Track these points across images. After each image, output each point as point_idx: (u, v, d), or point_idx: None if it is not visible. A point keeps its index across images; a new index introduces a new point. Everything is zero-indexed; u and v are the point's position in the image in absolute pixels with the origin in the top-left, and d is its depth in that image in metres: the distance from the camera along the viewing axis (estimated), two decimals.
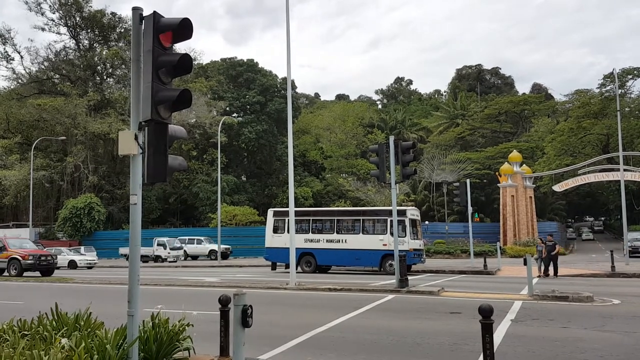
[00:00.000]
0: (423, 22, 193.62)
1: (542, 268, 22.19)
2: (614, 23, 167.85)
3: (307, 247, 25.29)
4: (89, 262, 35.42)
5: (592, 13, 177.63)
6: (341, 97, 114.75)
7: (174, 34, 5.48)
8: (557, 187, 45.06)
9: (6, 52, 56.37)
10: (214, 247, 40.39)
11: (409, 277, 16.64)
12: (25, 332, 6.23)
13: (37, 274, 24.45)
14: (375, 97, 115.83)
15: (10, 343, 5.70)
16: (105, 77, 59.29)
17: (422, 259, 25.86)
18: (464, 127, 67.66)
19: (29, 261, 24.18)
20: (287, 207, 18.70)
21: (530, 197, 45.21)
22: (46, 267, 24.66)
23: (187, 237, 44.01)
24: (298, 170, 61.32)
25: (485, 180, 54.50)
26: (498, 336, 8.36)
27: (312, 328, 9.24)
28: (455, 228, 47.24)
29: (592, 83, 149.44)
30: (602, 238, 70.44)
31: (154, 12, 5.39)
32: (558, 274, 21.70)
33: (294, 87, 69.65)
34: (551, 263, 21.87)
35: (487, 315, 5.41)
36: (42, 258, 24.60)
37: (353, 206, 46.77)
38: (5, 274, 24.70)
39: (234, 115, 62.20)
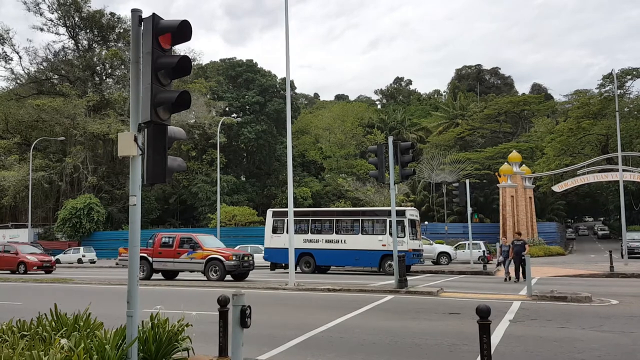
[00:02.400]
0: (423, 23, 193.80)
1: (509, 269, 20.09)
2: (613, 24, 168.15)
3: (306, 247, 25.32)
4: None
5: (591, 14, 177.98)
6: (340, 98, 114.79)
7: (173, 36, 5.51)
8: (557, 188, 45.07)
9: (5, 52, 56.51)
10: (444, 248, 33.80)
11: (408, 278, 16.67)
12: (25, 333, 6.24)
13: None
14: (375, 97, 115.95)
15: (9, 343, 5.72)
16: (104, 78, 59.28)
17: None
18: (463, 127, 67.65)
19: (233, 262, 19.95)
20: (287, 207, 18.69)
21: (530, 197, 45.25)
22: (246, 270, 20.88)
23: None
24: (297, 171, 61.35)
25: (484, 181, 54.49)
26: (497, 336, 8.39)
27: (311, 328, 9.26)
28: (455, 228, 47.27)
29: (591, 83, 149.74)
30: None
31: (153, 14, 5.41)
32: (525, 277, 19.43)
33: (293, 87, 69.67)
34: (520, 265, 19.43)
35: (484, 316, 5.42)
36: (245, 258, 20.60)
37: (352, 206, 46.79)
38: (201, 277, 20.80)
39: (233, 115, 62.23)
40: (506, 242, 21.18)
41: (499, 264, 21.68)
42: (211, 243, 21.51)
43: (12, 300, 14.00)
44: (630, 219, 49.02)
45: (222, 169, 51.23)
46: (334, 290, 15.63)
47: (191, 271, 21.02)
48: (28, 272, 26.71)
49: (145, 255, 21.14)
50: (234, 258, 20.00)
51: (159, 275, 21.47)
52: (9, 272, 27.27)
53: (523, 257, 18.39)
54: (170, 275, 21.62)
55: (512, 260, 19.96)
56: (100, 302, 11.03)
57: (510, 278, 19.98)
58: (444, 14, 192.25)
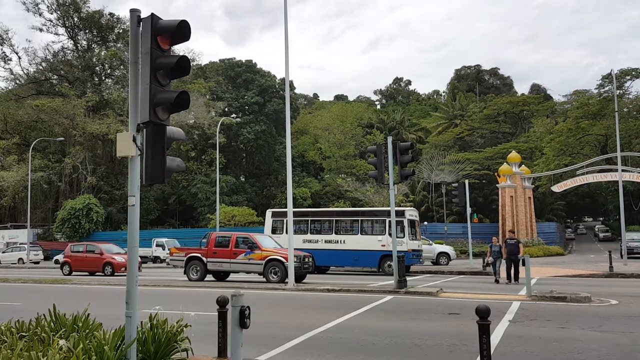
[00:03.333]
0: (423, 23, 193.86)
1: (499, 270, 19.28)
2: (613, 24, 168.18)
3: (305, 247, 25.23)
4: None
5: (591, 14, 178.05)
6: (340, 98, 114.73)
7: (172, 36, 5.50)
8: (556, 188, 45.06)
9: (4, 52, 56.43)
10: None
11: (408, 278, 16.66)
12: (24, 334, 6.24)
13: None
14: (374, 97, 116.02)
15: (8, 344, 5.71)
16: (103, 78, 59.24)
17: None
18: (462, 127, 67.65)
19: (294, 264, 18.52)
20: (286, 207, 18.64)
21: (529, 197, 45.23)
22: (306, 272, 19.89)
23: None
24: (296, 171, 61.32)
25: (484, 181, 54.49)
26: (496, 337, 8.38)
27: (311, 329, 9.25)
28: (454, 229, 47.24)
29: (591, 84, 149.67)
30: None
31: (152, 14, 5.40)
32: (519, 279, 18.42)
33: (292, 87, 69.66)
34: (512, 266, 18.68)
35: (484, 316, 5.42)
36: (305, 260, 19.52)
37: (352, 207, 46.76)
38: (260, 278, 19.71)
39: (232, 115, 62.20)
40: (496, 242, 20.10)
41: (487, 265, 20.81)
42: (268, 243, 20.53)
43: (11, 301, 13.98)
44: (629, 219, 48.96)
45: (222, 169, 51.19)
46: (334, 291, 15.62)
47: (248, 272, 20.08)
48: (115, 273, 25.28)
49: (199, 255, 20.35)
50: (294, 260, 18.64)
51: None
52: (87, 273, 26.06)
53: (519, 258, 17.80)
54: (222, 276, 20.91)
55: (505, 261, 19.10)
56: (100, 303, 11.02)
57: (499, 280, 19.29)
58: (444, 14, 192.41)
